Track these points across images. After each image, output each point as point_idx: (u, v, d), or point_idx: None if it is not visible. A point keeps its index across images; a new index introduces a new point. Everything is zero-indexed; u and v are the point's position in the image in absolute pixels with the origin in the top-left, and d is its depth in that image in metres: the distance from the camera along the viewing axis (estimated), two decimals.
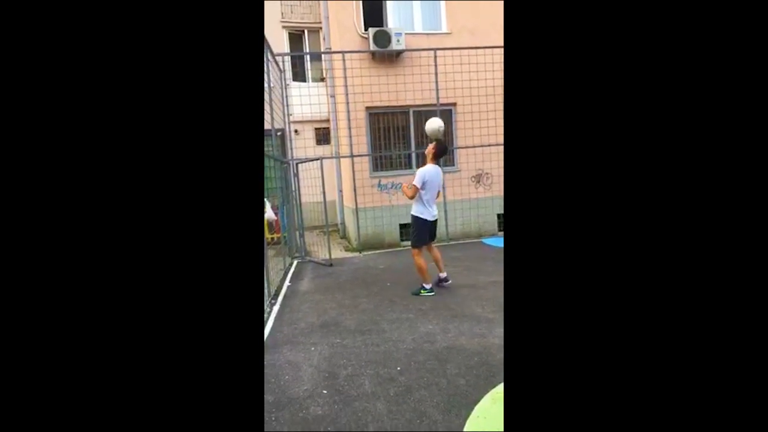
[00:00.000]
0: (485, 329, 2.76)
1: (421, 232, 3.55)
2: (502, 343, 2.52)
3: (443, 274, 3.73)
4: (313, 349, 2.64)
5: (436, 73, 5.70)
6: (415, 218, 3.55)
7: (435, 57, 5.69)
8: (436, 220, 3.63)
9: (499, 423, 1.74)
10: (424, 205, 3.49)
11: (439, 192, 3.63)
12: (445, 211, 6.07)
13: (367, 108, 5.92)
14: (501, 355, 2.37)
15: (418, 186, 3.41)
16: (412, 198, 3.49)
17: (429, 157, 3.51)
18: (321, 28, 7.88)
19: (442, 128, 3.64)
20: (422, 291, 3.54)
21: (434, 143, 3.50)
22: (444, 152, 3.59)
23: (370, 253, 5.76)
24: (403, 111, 6.09)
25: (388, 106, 5.93)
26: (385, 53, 5.74)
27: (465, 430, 1.71)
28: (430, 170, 3.45)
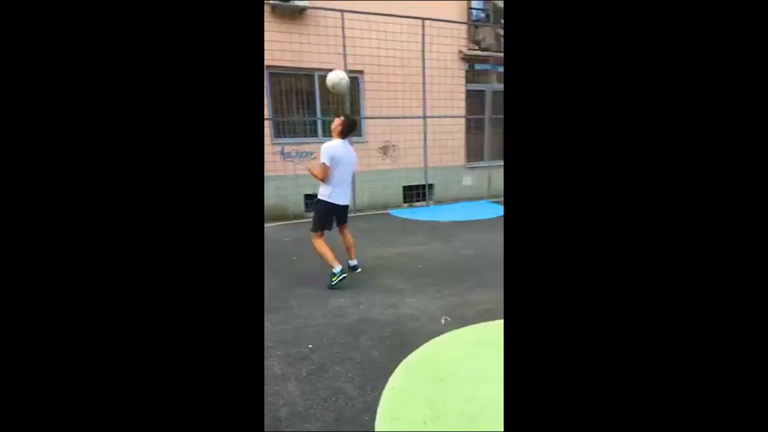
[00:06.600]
0: (396, 300, 2.78)
1: (324, 216, 3.07)
2: (413, 312, 2.58)
3: (353, 262, 3.33)
4: None
5: (343, 36, 5.43)
6: (320, 201, 3.05)
7: (342, 19, 5.40)
8: (347, 205, 3.15)
9: (413, 392, 1.76)
10: (333, 187, 3.00)
11: (353, 172, 3.14)
12: (353, 182, 5.98)
13: (268, 67, 5.43)
14: (412, 325, 2.41)
15: (327, 163, 2.90)
16: (322, 179, 2.96)
17: (335, 132, 3.02)
18: None
19: (346, 82, 3.06)
20: (333, 277, 3.03)
21: (341, 118, 3.02)
22: (352, 127, 3.09)
23: (273, 224, 5.45)
24: (307, 74, 5.72)
25: (290, 68, 5.51)
26: (287, 8, 5.26)
27: (381, 405, 1.69)
28: (337, 145, 2.96)
